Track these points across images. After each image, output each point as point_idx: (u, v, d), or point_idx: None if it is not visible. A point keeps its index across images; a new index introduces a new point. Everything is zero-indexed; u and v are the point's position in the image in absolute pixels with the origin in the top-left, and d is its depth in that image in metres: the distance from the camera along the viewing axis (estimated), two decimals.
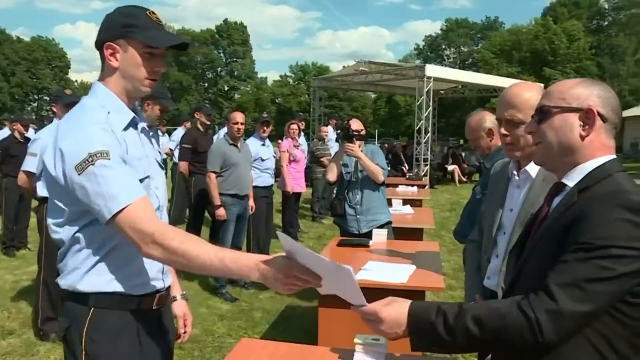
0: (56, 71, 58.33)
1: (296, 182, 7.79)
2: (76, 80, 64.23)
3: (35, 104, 58.44)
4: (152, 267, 1.65)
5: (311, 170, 9.16)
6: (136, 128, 1.66)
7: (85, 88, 53.64)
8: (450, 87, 23.00)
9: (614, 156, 1.35)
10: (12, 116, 10.80)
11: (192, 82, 62.08)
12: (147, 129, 1.73)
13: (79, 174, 1.44)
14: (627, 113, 37.09)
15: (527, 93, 1.98)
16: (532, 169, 1.97)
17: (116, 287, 1.57)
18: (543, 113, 1.40)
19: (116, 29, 1.56)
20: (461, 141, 29.82)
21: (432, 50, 63.91)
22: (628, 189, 1.24)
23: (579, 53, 44.50)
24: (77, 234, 1.54)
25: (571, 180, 1.35)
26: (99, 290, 1.56)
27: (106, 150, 1.45)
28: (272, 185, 6.40)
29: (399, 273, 3.11)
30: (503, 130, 2.01)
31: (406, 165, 15.80)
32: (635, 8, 46.78)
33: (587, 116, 1.33)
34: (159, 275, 1.69)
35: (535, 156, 1.47)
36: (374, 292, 2.96)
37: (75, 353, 1.57)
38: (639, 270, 1.17)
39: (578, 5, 49.59)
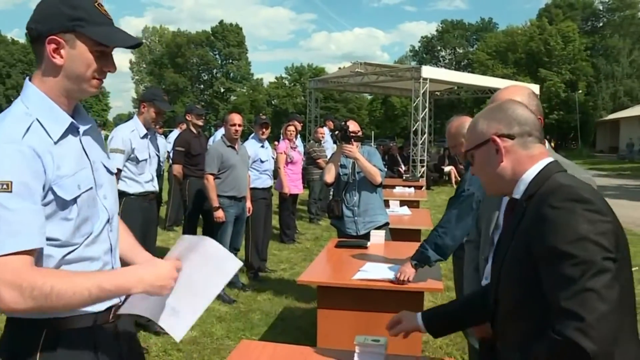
0: None
1: (293, 184, 7.79)
2: None
3: None
4: None
5: (308, 172, 9.16)
6: (77, 133, 1.46)
7: None
8: (446, 88, 23.06)
9: (550, 159, 1.43)
10: None
11: (187, 83, 62.00)
12: (97, 127, 1.56)
13: None
14: (622, 114, 37.22)
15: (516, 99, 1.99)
16: None
17: (72, 310, 1.39)
18: (470, 156, 1.53)
19: (61, 21, 1.34)
20: None
21: (427, 52, 64.06)
22: (571, 183, 1.31)
23: (574, 54, 44.72)
24: None
25: (518, 193, 1.45)
26: (52, 316, 1.38)
27: (8, 180, 1.25)
28: (271, 187, 6.39)
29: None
30: None
31: (402, 166, 15.82)
32: (629, 9, 47.06)
33: (494, 145, 1.45)
34: None
35: (487, 192, 1.59)
36: (373, 293, 2.99)
37: None
38: (614, 256, 1.21)
39: (572, 7, 49.81)
